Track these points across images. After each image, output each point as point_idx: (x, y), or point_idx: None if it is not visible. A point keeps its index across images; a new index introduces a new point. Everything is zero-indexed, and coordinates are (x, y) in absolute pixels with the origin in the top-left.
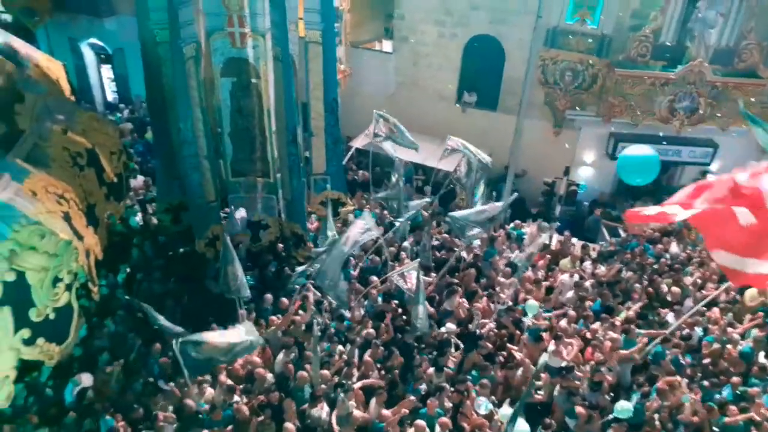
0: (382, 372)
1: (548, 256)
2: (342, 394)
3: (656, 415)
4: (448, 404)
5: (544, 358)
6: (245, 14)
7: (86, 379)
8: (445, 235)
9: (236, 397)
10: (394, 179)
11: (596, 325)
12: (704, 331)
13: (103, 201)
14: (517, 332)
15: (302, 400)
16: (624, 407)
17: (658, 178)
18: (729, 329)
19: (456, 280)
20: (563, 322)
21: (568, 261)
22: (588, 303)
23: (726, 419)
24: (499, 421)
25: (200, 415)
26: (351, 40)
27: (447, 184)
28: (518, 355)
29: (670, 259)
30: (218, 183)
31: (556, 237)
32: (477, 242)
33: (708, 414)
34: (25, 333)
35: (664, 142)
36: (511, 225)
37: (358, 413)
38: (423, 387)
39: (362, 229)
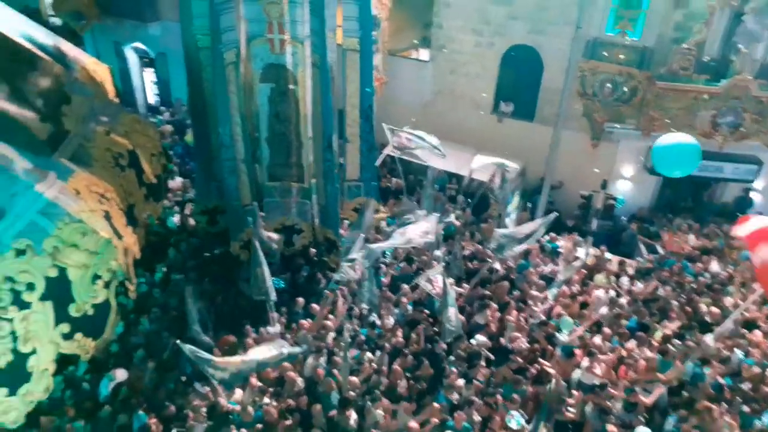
0: (411, 381)
1: (583, 270)
2: (369, 403)
3: None
4: (477, 418)
5: (576, 375)
6: (285, 21)
7: (121, 375)
8: (478, 246)
9: (266, 399)
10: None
11: (631, 344)
12: (745, 354)
13: (142, 201)
14: (549, 347)
15: (330, 405)
16: None
17: (699, 195)
18: None
19: (488, 292)
20: (597, 339)
21: (603, 276)
22: (623, 320)
23: None
24: None
25: (231, 416)
26: (388, 48)
27: (480, 193)
28: (550, 371)
29: (710, 279)
30: (254, 187)
31: (591, 251)
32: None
33: None
34: (65, 327)
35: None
36: (546, 238)
37: (384, 422)
38: (454, 396)
39: (423, 231)
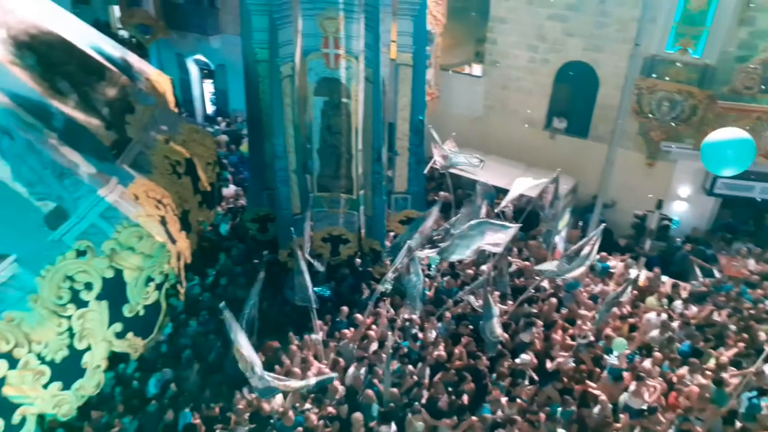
0: (452, 397)
1: (634, 291)
2: (410, 414)
3: None
4: None
5: (624, 398)
6: (341, 36)
7: (168, 374)
8: (526, 263)
9: (307, 405)
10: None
11: (683, 370)
12: None
13: (196, 208)
14: (597, 369)
15: (370, 416)
16: None
17: (761, 218)
18: None
19: (534, 310)
20: (647, 363)
21: (655, 299)
22: (675, 345)
23: None
24: None
25: (272, 420)
26: (441, 63)
27: (529, 210)
28: (597, 393)
29: None
30: (305, 196)
31: (644, 273)
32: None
33: None
34: (118, 327)
35: None
36: (597, 257)
37: None
38: (498, 414)
39: (499, 240)
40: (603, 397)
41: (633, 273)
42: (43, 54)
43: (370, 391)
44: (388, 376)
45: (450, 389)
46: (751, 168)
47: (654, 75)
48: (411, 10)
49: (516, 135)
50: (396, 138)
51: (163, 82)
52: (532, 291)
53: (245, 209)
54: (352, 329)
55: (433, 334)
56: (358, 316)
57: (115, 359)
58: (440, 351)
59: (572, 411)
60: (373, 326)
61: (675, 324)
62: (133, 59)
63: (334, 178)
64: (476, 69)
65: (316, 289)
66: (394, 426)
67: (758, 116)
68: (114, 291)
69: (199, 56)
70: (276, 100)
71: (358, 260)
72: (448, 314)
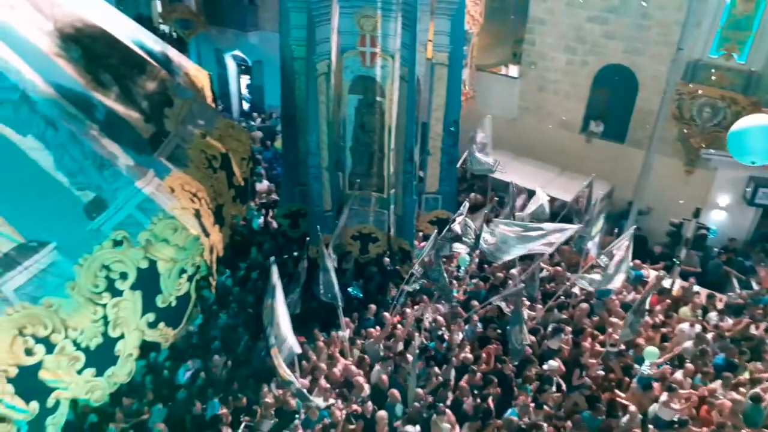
0: (478, 400)
1: (667, 300)
2: (435, 416)
3: None
4: None
5: (654, 409)
6: (378, 34)
7: (197, 364)
8: (557, 268)
9: (331, 400)
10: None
11: (716, 384)
12: None
13: (230, 202)
14: (626, 379)
15: (394, 415)
16: None
17: None
18: None
19: (564, 316)
20: (678, 374)
21: (689, 309)
22: (709, 357)
23: None
24: None
25: (297, 415)
26: (477, 63)
27: (562, 214)
28: (626, 403)
29: None
30: (336, 194)
31: (678, 282)
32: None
33: None
34: (150, 317)
35: None
36: (630, 264)
37: None
38: (524, 420)
39: (553, 240)
40: (633, 407)
41: (667, 282)
42: (88, 47)
43: (394, 391)
44: (414, 376)
45: (475, 392)
46: None
47: (696, 80)
48: (449, 9)
49: (551, 137)
50: (429, 138)
51: (201, 77)
52: (562, 297)
53: (277, 204)
54: (378, 328)
55: (459, 336)
56: (386, 314)
57: (146, 348)
58: (466, 353)
59: (601, 420)
60: (399, 326)
61: (709, 336)
62: (173, 54)
63: (366, 176)
64: (512, 70)
65: (349, 289)
66: (418, 427)
67: None
68: (148, 281)
69: (237, 52)
70: (311, 97)
71: (387, 259)
72: (475, 317)
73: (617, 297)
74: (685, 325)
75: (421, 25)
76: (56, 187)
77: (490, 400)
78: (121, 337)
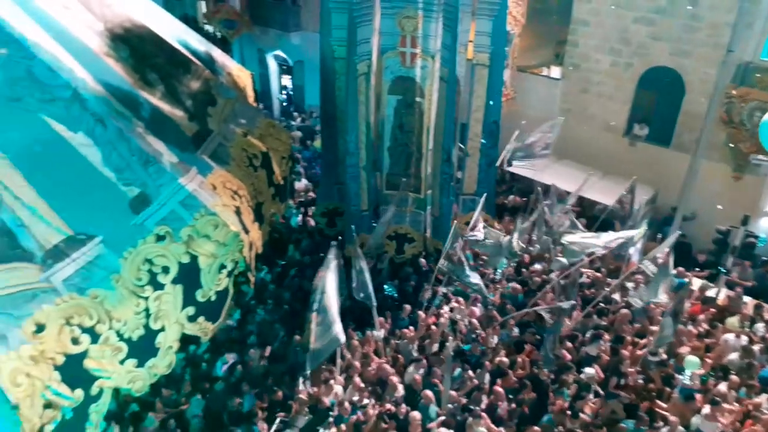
0: (513, 405)
1: (712, 309)
2: (471, 419)
3: None
4: None
5: (696, 421)
6: (418, 35)
7: (233, 358)
8: (597, 274)
9: (366, 400)
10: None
11: (762, 398)
12: None
13: (270, 200)
14: (667, 389)
15: (428, 417)
16: None
17: None
18: None
19: (604, 322)
20: (722, 386)
21: (737, 320)
22: (756, 370)
23: None
24: None
25: (330, 412)
26: (518, 64)
27: (603, 218)
28: (667, 414)
29: None
30: (373, 194)
31: (724, 291)
32: (631, 284)
33: None
34: (190, 310)
35: None
36: (673, 272)
37: None
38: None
39: (611, 239)
40: (673, 418)
41: (712, 291)
42: (136, 47)
43: (428, 392)
44: (449, 378)
45: (510, 397)
46: None
47: (747, 83)
48: (491, 10)
49: (593, 140)
50: (468, 138)
51: (244, 76)
52: (602, 303)
53: (315, 203)
54: (412, 328)
55: (494, 340)
56: (421, 314)
57: (186, 341)
58: (502, 357)
59: (644, 430)
60: (433, 327)
61: (756, 348)
62: (217, 54)
63: (403, 176)
64: (554, 71)
65: (385, 286)
66: (453, 429)
67: None
68: (189, 276)
69: (278, 52)
70: (351, 97)
71: (423, 260)
72: (512, 321)
73: (659, 305)
74: (730, 336)
75: (462, 25)
76: (104, 182)
77: (525, 407)
78: (162, 329)
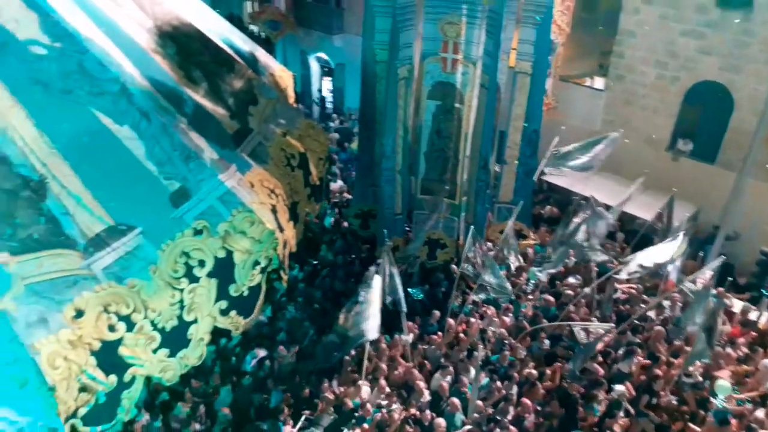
0: (540, 418)
1: (752, 333)
2: (497, 429)
3: None
4: None
5: None
6: (461, 41)
7: (262, 353)
8: (632, 289)
9: (393, 405)
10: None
11: None
12: None
13: (305, 200)
14: (701, 412)
15: (453, 425)
16: None
17: None
18: None
19: (638, 339)
20: (760, 413)
21: None
22: None
23: None
24: None
25: (355, 413)
26: (561, 73)
27: (641, 233)
28: None
29: None
30: (407, 198)
31: (766, 315)
32: (667, 303)
33: None
34: (223, 304)
35: None
36: (713, 292)
37: None
38: None
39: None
40: None
41: (753, 314)
42: (182, 44)
43: (455, 400)
44: (476, 387)
45: (538, 409)
46: None
47: None
48: (535, 18)
49: (635, 154)
50: (506, 147)
51: (285, 77)
52: (636, 320)
53: (349, 204)
54: (440, 334)
55: (523, 352)
56: (450, 320)
57: (217, 334)
58: (530, 369)
59: None
60: (462, 335)
61: None
62: (260, 54)
63: (438, 182)
64: (598, 82)
65: (410, 289)
66: None
67: None
68: (223, 270)
69: (320, 54)
70: (390, 100)
71: (454, 266)
72: (542, 333)
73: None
74: None
75: (505, 33)
76: (146, 175)
77: (554, 420)
78: (195, 321)
